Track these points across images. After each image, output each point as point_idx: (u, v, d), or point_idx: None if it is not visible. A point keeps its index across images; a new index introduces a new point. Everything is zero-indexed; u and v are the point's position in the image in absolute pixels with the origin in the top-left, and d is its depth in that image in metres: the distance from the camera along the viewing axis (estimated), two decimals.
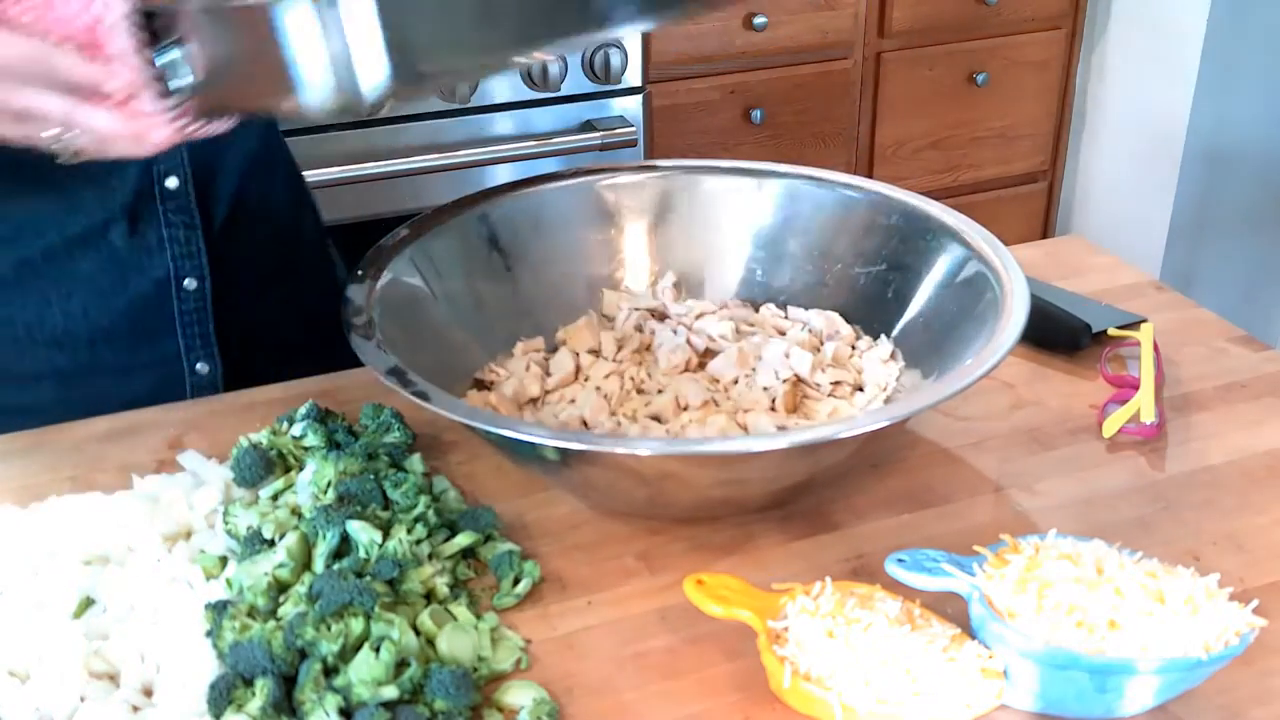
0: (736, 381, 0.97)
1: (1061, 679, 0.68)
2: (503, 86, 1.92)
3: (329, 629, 0.70)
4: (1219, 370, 1.04)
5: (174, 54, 0.73)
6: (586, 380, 0.97)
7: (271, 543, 0.79)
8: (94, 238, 1.01)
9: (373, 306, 0.88)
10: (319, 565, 0.77)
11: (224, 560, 0.80)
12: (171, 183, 1.01)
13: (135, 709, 0.70)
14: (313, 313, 1.03)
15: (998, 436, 0.96)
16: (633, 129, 1.96)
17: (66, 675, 0.71)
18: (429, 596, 0.78)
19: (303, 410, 0.94)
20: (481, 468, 0.93)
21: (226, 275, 1.06)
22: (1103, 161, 2.55)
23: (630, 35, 1.93)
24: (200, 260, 1.04)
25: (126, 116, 0.75)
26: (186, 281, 1.04)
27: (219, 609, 0.73)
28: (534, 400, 0.96)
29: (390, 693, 0.68)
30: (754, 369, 0.97)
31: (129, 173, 0.99)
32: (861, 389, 0.96)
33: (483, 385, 0.97)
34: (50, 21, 0.73)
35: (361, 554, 0.77)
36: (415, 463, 0.89)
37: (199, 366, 1.07)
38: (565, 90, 1.95)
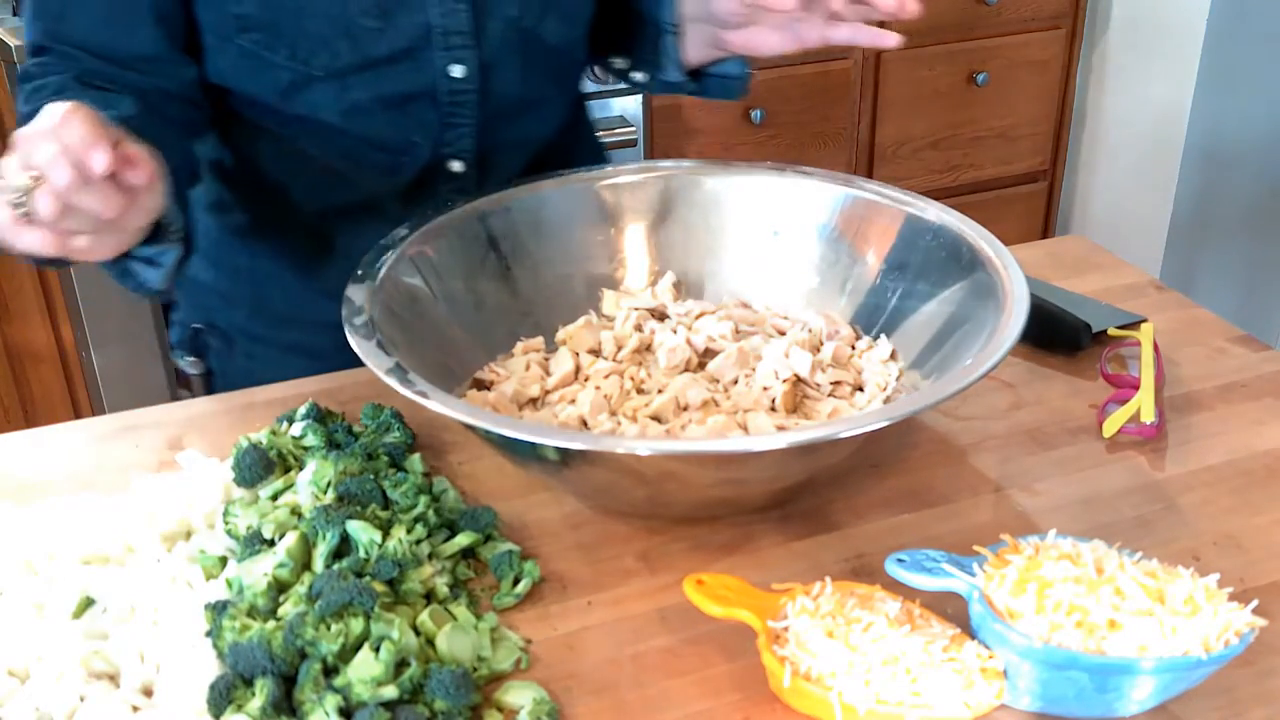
0: (736, 381, 0.97)
1: (1061, 679, 0.68)
2: None
3: (329, 629, 0.70)
4: (1219, 370, 1.04)
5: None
6: (586, 380, 0.97)
7: (271, 543, 0.79)
8: (371, 207, 1.08)
9: (373, 306, 0.88)
10: (319, 565, 0.77)
11: (224, 560, 0.80)
12: (456, 166, 1.07)
13: (135, 709, 0.70)
14: None
15: (998, 436, 0.96)
16: (633, 129, 1.96)
17: (66, 675, 0.71)
18: (429, 596, 0.78)
19: (303, 410, 0.94)
20: (481, 468, 0.93)
21: None
22: (1103, 161, 2.55)
23: None
24: None
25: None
26: None
27: (219, 609, 0.73)
28: (534, 400, 0.96)
29: (390, 693, 0.68)
30: (754, 369, 0.97)
31: (418, 156, 1.06)
32: (861, 389, 0.96)
33: (483, 385, 0.97)
34: None
35: (361, 554, 0.77)
36: (415, 463, 0.89)
37: None
38: None
